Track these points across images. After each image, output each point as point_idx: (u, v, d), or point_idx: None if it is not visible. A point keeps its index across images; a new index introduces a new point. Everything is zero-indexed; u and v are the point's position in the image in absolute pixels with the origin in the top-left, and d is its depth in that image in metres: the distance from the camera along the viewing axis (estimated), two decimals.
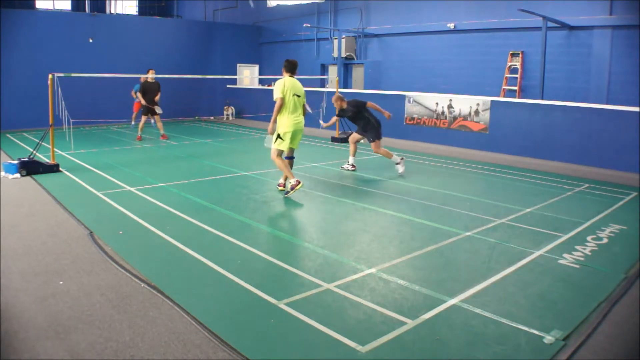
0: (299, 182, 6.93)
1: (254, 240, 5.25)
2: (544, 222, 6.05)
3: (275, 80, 19.49)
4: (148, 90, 12.78)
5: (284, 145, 6.97)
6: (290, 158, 7.37)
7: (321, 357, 3.06)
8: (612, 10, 11.71)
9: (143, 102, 12.77)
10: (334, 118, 9.67)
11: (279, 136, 6.95)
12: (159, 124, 13.34)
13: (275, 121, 6.97)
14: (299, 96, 7.03)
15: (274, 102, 7.03)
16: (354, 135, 9.24)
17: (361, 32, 17.45)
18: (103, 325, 3.41)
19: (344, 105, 9.05)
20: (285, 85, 6.90)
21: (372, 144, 8.88)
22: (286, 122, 6.93)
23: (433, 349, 3.19)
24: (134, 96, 15.10)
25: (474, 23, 14.41)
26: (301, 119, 7.14)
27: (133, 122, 15.58)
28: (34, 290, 3.95)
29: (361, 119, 8.93)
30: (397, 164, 8.85)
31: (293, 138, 7.02)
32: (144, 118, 13.10)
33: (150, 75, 12.76)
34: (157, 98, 12.91)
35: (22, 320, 3.45)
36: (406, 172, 8.91)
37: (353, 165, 9.26)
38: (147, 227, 5.58)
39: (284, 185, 7.29)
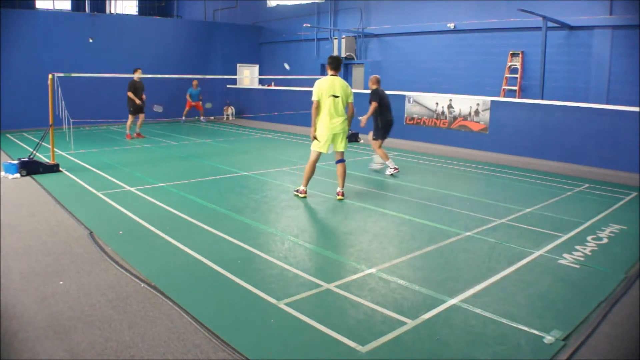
0: (305, 194, 7.01)
1: (254, 240, 5.25)
2: (544, 222, 6.05)
3: (274, 80, 19.61)
4: (138, 89, 12.80)
5: (323, 148, 6.78)
6: (341, 161, 7.00)
7: (321, 357, 3.07)
8: (612, 10, 11.71)
9: (137, 101, 12.76)
10: (374, 104, 8.57)
11: (315, 138, 6.81)
12: (140, 122, 13.36)
13: (314, 125, 6.73)
14: (337, 96, 6.65)
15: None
16: (376, 141, 8.82)
17: (361, 32, 17.45)
18: (103, 325, 3.41)
19: (377, 87, 8.68)
20: (320, 87, 6.62)
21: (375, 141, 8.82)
22: (321, 125, 6.71)
23: (433, 349, 3.19)
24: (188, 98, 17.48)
25: (474, 23, 14.41)
26: (339, 122, 6.71)
27: (184, 118, 17.71)
28: (34, 290, 3.95)
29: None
30: (376, 163, 9.04)
31: (334, 140, 6.80)
32: (131, 117, 13.05)
33: (137, 75, 12.70)
34: (144, 97, 12.97)
35: (22, 320, 3.45)
36: (406, 172, 8.91)
37: (396, 168, 8.79)
38: (147, 227, 5.58)
39: (341, 194, 7.01)
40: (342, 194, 7.04)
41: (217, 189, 7.74)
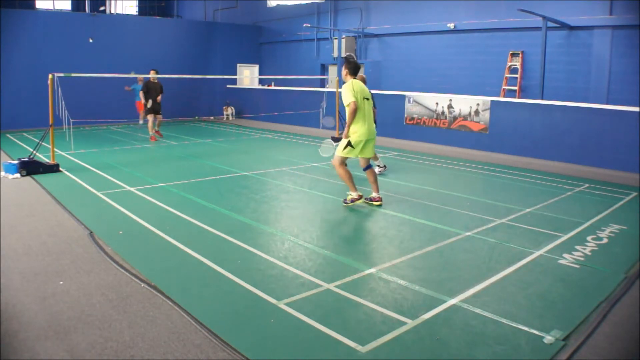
0: (361, 197, 6.56)
1: (254, 240, 5.25)
2: (544, 222, 6.05)
3: (273, 80, 19.61)
4: (151, 90, 12.85)
5: (353, 153, 6.42)
6: (369, 167, 6.75)
7: (321, 357, 3.06)
8: (612, 10, 11.71)
9: (144, 101, 12.83)
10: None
11: (349, 143, 6.37)
12: (158, 123, 13.41)
13: (350, 126, 6.32)
14: (368, 99, 6.48)
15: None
16: None
17: (361, 32, 17.45)
18: (103, 325, 3.41)
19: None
20: (354, 88, 6.30)
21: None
22: (360, 129, 6.32)
23: (433, 349, 3.19)
24: (128, 89, 15.62)
25: (474, 23, 14.41)
26: (374, 126, 6.60)
27: (141, 121, 15.40)
28: (34, 290, 3.95)
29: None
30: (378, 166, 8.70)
31: (364, 147, 6.45)
32: (150, 117, 13.10)
33: (152, 75, 12.81)
34: (159, 99, 12.98)
35: (22, 320, 3.45)
36: (406, 172, 8.91)
37: (384, 166, 8.87)
38: (147, 227, 5.58)
39: (379, 200, 6.64)
40: (380, 199, 6.66)
41: (217, 189, 7.74)
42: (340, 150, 6.48)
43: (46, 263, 4.53)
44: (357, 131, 6.34)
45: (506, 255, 4.89)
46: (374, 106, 7.90)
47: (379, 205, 6.60)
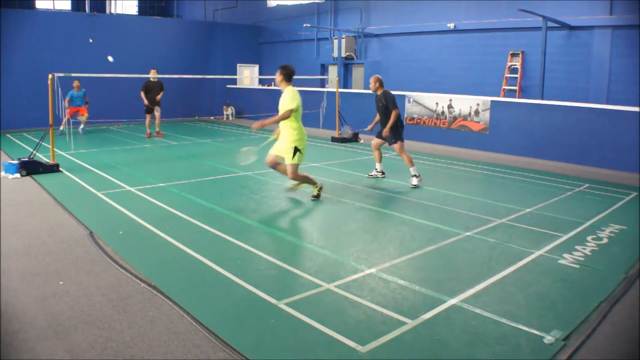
0: (321, 187, 6.96)
1: (254, 240, 5.25)
2: (544, 222, 6.05)
3: (273, 80, 19.56)
4: (150, 89, 12.95)
5: (302, 157, 6.70)
6: (278, 165, 6.95)
7: (321, 357, 3.06)
8: (612, 10, 11.71)
9: (146, 101, 12.92)
10: (397, 112, 8.03)
11: (298, 150, 6.61)
12: (157, 122, 13.50)
13: (266, 125, 6.79)
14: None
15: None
16: (376, 141, 8.35)
17: (361, 32, 17.45)
18: (103, 325, 3.40)
19: (379, 91, 8.07)
20: (298, 97, 6.62)
21: (396, 146, 8.01)
22: (303, 133, 6.67)
23: (433, 349, 3.19)
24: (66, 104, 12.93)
25: (474, 23, 14.41)
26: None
27: (62, 128, 13.29)
28: (34, 290, 3.95)
29: (386, 118, 8.01)
30: (414, 176, 7.94)
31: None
32: (148, 116, 13.22)
33: (151, 75, 12.87)
34: (158, 97, 13.08)
35: (22, 320, 3.44)
36: (406, 172, 8.88)
37: (382, 172, 8.51)
38: (147, 227, 5.58)
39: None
40: (315, 195, 6.92)
41: (217, 189, 7.74)
42: (290, 160, 6.61)
43: (46, 263, 4.53)
44: (301, 136, 6.65)
45: (506, 255, 4.89)
46: (396, 107, 7.96)
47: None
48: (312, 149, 12.13)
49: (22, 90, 15.32)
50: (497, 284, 4.20)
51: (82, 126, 14.30)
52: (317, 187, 6.97)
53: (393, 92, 8.32)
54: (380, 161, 8.53)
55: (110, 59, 12.67)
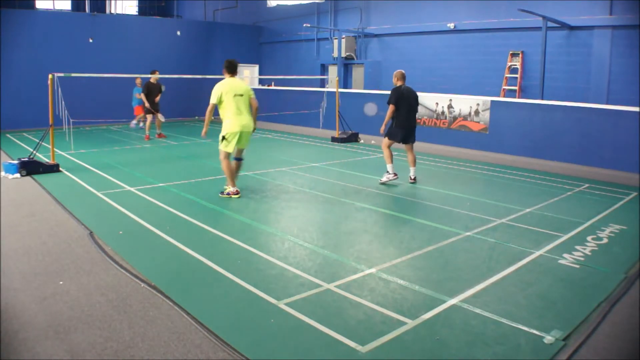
0: (238, 193, 6.96)
1: (254, 240, 5.25)
2: (544, 222, 6.05)
3: (273, 80, 19.60)
4: (151, 91, 12.92)
5: (230, 147, 6.88)
6: (239, 159, 7.14)
7: (321, 357, 3.06)
8: (612, 10, 11.71)
9: (147, 103, 12.89)
10: (391, 108, 7.86)
11: (224, 138, 6.88)
12: (158, 124, 13.49)
13: (208, 125, 7.06)
14: (241, 95, 6.87)
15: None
16: (386, 141, 8.08)
17: (361, 32, 17.45)
18: (103, 325, 3.40)
19: (401, 84, 7.88)
20: (223, 89, 6.82)
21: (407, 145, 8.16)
22: (231, 123, 6.84)
23: (433, 349, 3.19)
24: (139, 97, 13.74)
25: (474, 23, 14.41)
26: (248, 119, 6.93)
27: (135, 122, 14.61)
28: (34, 290, 3.95)
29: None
30: (386, 172, 7.98)
31: (240, 139, 6.90)
32: (149, 117, 13.20)
33: (153, 77, 12.85)
34: (157, 99, 13.07)
35: (22, 320, 3.45)
36: (406, 172, 8.89)
37: (395, 174, 8.02)
38: (147, 227, 5.58)
39: (236, 193, 6.99)
40: (238, 192, 6.99)
41: (217, 189, 7.73)
42: (219, 145, 6.96)
43: (46, 263, 4.53)
44: (229, 125, 6.86)
45: (506, 255, 4.89)
46: (390, 102, 7.85)
47: (238, 197, 6.93)
48: (312, 148, 12.14)
49: (22, 90, 15.32)
50: (497, 284, 4.20)
51: (141, 123, 14.69)
52: (231, 189, 7.00)
53: None
54: (392, 161, 8.08)
55: (90, 40, 12.91)
